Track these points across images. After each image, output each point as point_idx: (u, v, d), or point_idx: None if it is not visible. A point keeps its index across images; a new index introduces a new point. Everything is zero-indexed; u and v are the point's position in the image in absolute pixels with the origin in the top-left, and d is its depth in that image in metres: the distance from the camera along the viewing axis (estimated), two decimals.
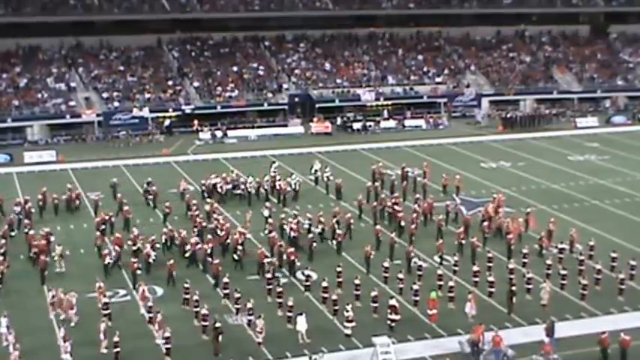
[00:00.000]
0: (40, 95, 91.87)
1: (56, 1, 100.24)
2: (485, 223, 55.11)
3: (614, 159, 79.81)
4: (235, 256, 50.07)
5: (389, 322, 41.79)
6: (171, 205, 59.21)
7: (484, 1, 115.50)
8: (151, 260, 48.79)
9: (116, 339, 38.56)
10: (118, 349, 38.47)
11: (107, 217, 55.49)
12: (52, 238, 52.18)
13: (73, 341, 38.42)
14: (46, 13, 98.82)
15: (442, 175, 68.66)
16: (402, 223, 55.10)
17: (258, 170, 68.87)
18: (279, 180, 65.69)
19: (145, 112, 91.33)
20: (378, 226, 54.91)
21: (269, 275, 46.57)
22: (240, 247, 50.33)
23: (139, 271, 47.04)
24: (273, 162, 71.88)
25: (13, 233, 54.65)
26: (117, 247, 50.68)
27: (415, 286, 44.68)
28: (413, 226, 54.52)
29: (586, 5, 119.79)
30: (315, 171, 69.18)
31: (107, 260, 48.66)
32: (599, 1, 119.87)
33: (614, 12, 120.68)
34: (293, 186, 65.30)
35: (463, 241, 52.03)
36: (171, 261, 47.78)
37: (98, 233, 53.53)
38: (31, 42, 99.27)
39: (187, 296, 44.35)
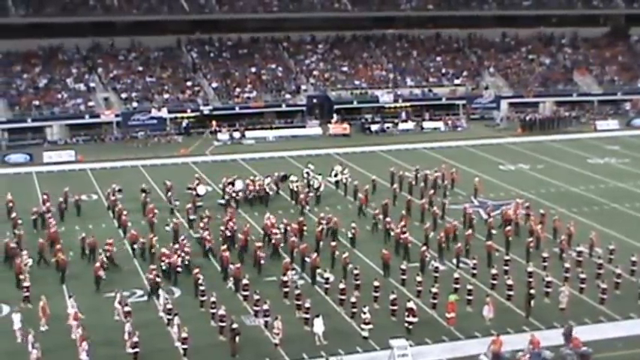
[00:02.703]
0: (59, 95, 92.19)
1: (76, 2, 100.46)
2: (508, 227, 55.09)
3: (635, 162, 79.49)
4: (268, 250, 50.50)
5: (406, 324, 41.77)
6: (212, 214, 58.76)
7: (503, 3, 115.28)
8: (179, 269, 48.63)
9: (135, 339, 38.72)
10: (137, 350, 38.65)
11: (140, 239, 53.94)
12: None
13: (91, 341, 38.58)
14: (66, 14, 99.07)
15: (451, 171, 69.69)
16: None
17: (275, 171, 69.10)
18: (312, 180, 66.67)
19: (164, 113, 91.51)
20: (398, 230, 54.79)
21: (285, 278, 46.67)
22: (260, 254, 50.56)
23: (157, 279, 46.82)
24: (309, 163, 71.64)
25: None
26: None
27: (433, 289, 44.67)
28: (426, 225, 54.91)
29: (606, 7, 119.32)
30: (336, 174, 69.12)
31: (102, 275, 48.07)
32: (620, 3, 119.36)
33: (634, 14, 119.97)
34: (318, 187, 65.68)
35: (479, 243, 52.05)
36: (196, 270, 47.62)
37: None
38: (52, 42, 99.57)
39: (204, 298, 44.49)
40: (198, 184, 64.99)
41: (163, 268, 48.34)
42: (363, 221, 57.87)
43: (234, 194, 63.56)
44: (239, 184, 65.05)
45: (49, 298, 43.61)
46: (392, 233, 54.64)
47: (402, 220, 55.19)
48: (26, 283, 45.88)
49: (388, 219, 56.64)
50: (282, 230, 54.36)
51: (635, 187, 69.91)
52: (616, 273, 47.32)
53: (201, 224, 55.00)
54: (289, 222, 55.60)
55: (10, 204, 59.67)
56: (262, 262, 49.73)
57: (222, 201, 62.95)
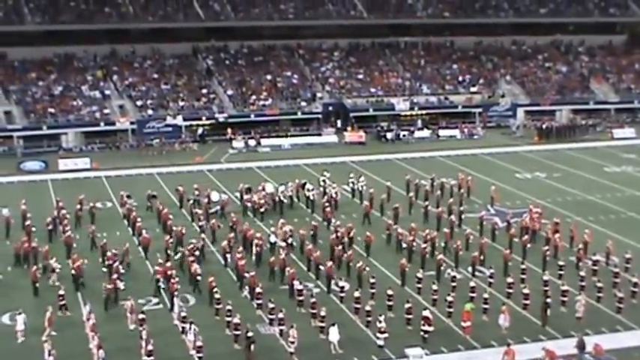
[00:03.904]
0: (74, 103, 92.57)
1: (92, 10, 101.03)
2: (526, 237, 55.05)
3: None
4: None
5: (422, 333, 41.76)
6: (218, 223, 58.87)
7: (520, 10, 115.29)
8: (198, 278, 48.43)
9: (150, 347, 38.75)
10: (152, 358, 38.64)
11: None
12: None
13: (107, 348, 38.73)
14: (82, 22, 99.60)
15: (467, 179, 69.81)
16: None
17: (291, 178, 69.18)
18: (328, 189, 66.73)
19: (179, 120, 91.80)
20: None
21: (300, 287, 46.76)
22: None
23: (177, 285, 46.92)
24: (325, 170, 71.69)
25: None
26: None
27: (449, 298, 44.66)
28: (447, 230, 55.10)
29: (623, 15, 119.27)
30: (353, 183, 69.14)
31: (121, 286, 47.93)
32: (637, 11, 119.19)
33: None
34: (335, 195, 65.67)
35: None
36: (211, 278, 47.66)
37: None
38: (67, 50, 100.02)
39: (219, 306, 44.57)
40: (208, 193, 64.93)
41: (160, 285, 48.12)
42: (376, 229, 57.75)
43: (248, 203, 63.85)
44: (215, 196, 65.06)
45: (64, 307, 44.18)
46: (403, 243, 54.75)
47: (412, 231, 55.05)
48: (61, 292, 45.78)
49: (397, 227, 57.02)
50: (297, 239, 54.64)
51: None
52: (632, 282, 47.19)
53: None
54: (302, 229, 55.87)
55: (26, 213, 59.72)
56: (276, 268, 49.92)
57: (214, 210, 62.70)
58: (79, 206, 61.42)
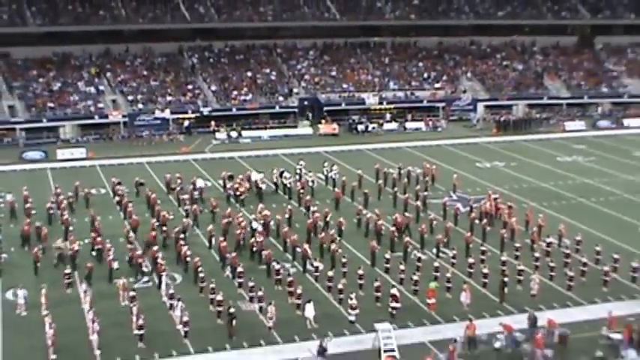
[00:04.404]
0: (72, 98, 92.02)
1: (87, 13, 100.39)
2: (485, 221, 55.12)
3: (600, 160, 79.60)
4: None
5: (390, 309, 41.74)
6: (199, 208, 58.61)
7: (480, 13, 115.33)
8: (188, 259, 48.07)
9: (141, 322, 38.74)
10: (142, 331, 38.69)
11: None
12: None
13: (101, 322, 38.76)
14: (79, 23, 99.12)
15: (426, 165, 70.32)
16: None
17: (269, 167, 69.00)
18: (303, 176, 66.73)
19: (167, 114, 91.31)
20: (380, 222, 54.55)
21: (278, 267, 46.62)
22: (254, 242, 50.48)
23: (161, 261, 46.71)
24: (300, 160, 71.48)
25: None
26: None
27: (415, 277, 44.65)
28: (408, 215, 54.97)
29: (574, 18, 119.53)
30: (327, 171, 68.99)
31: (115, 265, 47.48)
32: (586, 14, 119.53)
33: (599, 24, 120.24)
34: (311, 184, 65.53)
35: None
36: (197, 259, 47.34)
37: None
38: (65, 49, 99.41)
39: (203, 285, 44.39)
40: (194, 181, 64.58)
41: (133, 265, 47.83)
42: (348, 214, 57.63)
43: (230, 191, 63.59)
44: (200, 183, 64.74)
45: (63, 284, 44.30)
46: (370, 225, 54.82)
47: (379, 215, 54.82)
48: (67, 270, 45.87)
49: (366, 211, 57.14)
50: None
51: (600, 183, 69.99)
52: (582, 262, 47.40)
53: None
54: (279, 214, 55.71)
55: (27, 198, 59.57)
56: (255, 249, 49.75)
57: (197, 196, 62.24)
58: (71, 192, 61.24)
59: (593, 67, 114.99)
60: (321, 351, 36.88)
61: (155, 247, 48.82)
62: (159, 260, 46.42)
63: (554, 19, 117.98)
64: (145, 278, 46.88)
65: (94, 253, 49.56)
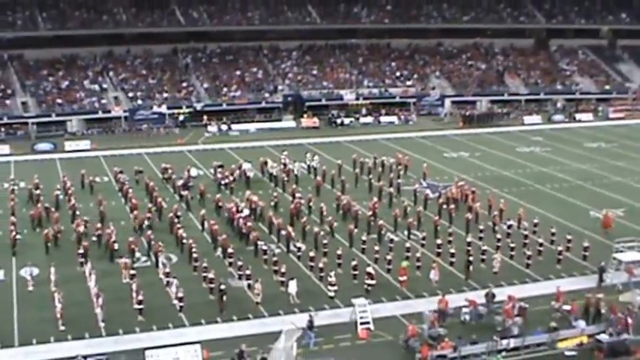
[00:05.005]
0: (78, 95, 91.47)
1: (92, 18, 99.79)
2: (452, 206, 55.09)
3: (555, 150, 79.72)
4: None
5: (366, 286, 41.66)
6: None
7: (447, 18, 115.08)
8: (184, 241, 47.73)
9: (140, 297, 38.70)
10: (142, 306, 38.70)
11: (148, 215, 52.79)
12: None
13: (105, 297, 38.91)
14: (84, 28, 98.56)
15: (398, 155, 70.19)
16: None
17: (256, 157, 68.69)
18: (288, 165, 66.55)
19: (163, 109, 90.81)
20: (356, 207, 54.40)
21: (264, 247, 46.51)
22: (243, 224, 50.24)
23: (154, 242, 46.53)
24: (283, 150, 71.18)
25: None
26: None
27: (388, 257, 44.59)
28: (374, 202, 54.48)
29: (531, 22, 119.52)
30: (309, 161, 68.70)
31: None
32: (542, 19, 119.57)
33: (554, 28, 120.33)
34: (296, 172, 65.32)
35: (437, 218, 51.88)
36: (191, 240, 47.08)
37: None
38: (72, 51, 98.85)
39: (197, 264, 44.19)
40: (189, 169, 64.25)
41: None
42: (328, 199, 57.44)
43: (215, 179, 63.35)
44: (194, 172, 64.56)
45: (70, 263, 44.62)
46: (342, 207, 55.10)
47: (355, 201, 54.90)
48: (80, 251, 45.83)
49: (343, 197, 56.93)
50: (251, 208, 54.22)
51: (555, 172, 70.10)
52: (539, 242, 47.55)
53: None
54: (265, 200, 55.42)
55: (38, 185, 59.39)
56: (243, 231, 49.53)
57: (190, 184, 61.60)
58: (78, 180, 60.87)
59: (549, 66, 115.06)
60: (310, 325, 36.81)
61: (149, 232, 48.53)
62: (152, 242, 46.36)
63: (513, 24, 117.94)
64: (144, 258, 46.61)
65: (94, 238, 49.07)
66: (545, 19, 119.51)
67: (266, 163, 66.49)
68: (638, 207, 58.71)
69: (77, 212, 53.11)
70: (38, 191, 58.03)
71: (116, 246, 46.58)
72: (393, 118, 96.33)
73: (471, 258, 44.37)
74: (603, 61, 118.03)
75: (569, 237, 48.34)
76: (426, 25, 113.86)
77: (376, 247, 46.42)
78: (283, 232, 49.39)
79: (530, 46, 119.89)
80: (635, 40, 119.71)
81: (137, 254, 46.29)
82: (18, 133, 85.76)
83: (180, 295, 39.39)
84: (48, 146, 79.98)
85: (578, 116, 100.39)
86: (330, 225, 50.97)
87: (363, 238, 48.14)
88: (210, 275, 41.48)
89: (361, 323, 37.68)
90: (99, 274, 42.42)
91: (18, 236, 48.63)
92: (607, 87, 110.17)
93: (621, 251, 45.33)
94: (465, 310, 38.81)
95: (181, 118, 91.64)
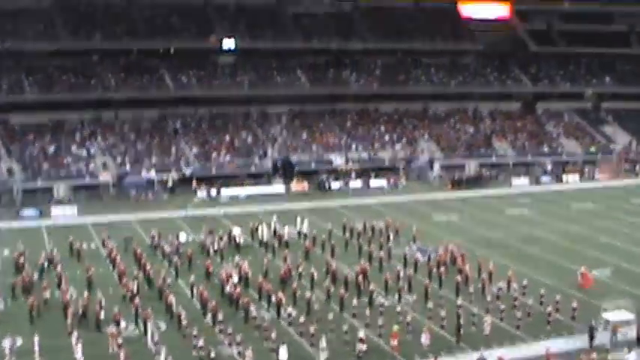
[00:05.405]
0: (65, 160, 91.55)
1: (80, 82, 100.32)
2: (442, 269, 55.22)
3: (542, 212, 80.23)
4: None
5: (357, 352, 41.55)
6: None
7: (435, 82, 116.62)
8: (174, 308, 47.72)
9: None
10: None
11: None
12: None
13: None
14: (72, 92, 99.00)
15: (395, 221, 69.57)
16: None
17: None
18: (278, 231, 66.73)
19: (152, 174, 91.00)
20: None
21: (254, 314, 46.41)
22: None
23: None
24: (275, 215, 71.36)
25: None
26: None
27: (380, 321, 44.57)
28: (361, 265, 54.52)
29: (518, 87, 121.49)
30: (298, 226, 68.76)
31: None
32: (528, 83, 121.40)
33: (540, 92, 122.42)
34: (286, 237, 65.55)
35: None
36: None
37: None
38: (59, 116, 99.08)
39: (186, 331, 43.98)
40: (177, 235, 64.36)
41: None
42: (318, 264, 57.46)
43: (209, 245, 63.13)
44: (182, 237, 64.61)
45: (55, 333, 43.96)
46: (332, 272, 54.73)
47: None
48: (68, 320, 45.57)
49: (333, 263, 56.76)
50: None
51: (543, 233, 70.44)
52: (528, 304, 47.62)
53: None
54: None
55: (24, 253, 59.01)
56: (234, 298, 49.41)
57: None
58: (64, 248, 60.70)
59: (535, 129, 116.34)
60: None
61: (137, 299, 48.34)
62: (140, 310, 46.13)
63: (500, 88, 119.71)
64: (132, 327, 46.32)
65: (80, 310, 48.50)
66: (532, 83, 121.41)
67: (257, 229, 66.59)
68: (625, 267, 59.04)
69: (63, 280, 52.83)
70: (22, 259, 57.54)
71: (102, 314, 46.32)
72: (383, 182, 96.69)
73: (461, 321, 44.37)
74: (589, 123, 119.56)
75: (557, 298, 48.41)
76: (415, 89, 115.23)
77: (367, 312, 46.36)
78: (273, 299, 49.25)
79: (517, 110, 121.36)
80: (618, 103, 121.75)
81: (123, 323, 45.94)
82: (2, 199, 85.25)
83: None
84: (34, 212, 79.50)
85: (564, 177, 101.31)
86: (327, 290, 50.87)
87: (354, 302, 48.08)
88: (200, 343, 41.27)
89: None
90: (85, 344, 41.78)
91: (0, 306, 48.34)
92: (592, 149, 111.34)
93: (609, 311, 45.68)
94: None
95: (170, 183, 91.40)
